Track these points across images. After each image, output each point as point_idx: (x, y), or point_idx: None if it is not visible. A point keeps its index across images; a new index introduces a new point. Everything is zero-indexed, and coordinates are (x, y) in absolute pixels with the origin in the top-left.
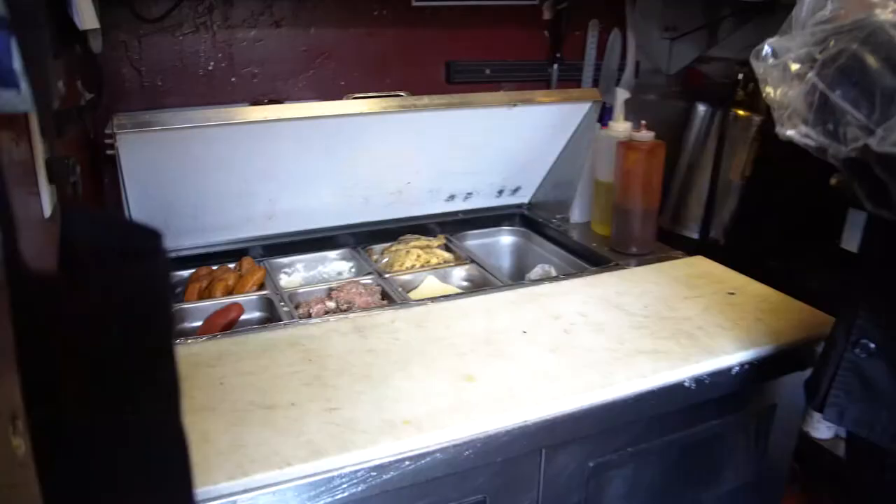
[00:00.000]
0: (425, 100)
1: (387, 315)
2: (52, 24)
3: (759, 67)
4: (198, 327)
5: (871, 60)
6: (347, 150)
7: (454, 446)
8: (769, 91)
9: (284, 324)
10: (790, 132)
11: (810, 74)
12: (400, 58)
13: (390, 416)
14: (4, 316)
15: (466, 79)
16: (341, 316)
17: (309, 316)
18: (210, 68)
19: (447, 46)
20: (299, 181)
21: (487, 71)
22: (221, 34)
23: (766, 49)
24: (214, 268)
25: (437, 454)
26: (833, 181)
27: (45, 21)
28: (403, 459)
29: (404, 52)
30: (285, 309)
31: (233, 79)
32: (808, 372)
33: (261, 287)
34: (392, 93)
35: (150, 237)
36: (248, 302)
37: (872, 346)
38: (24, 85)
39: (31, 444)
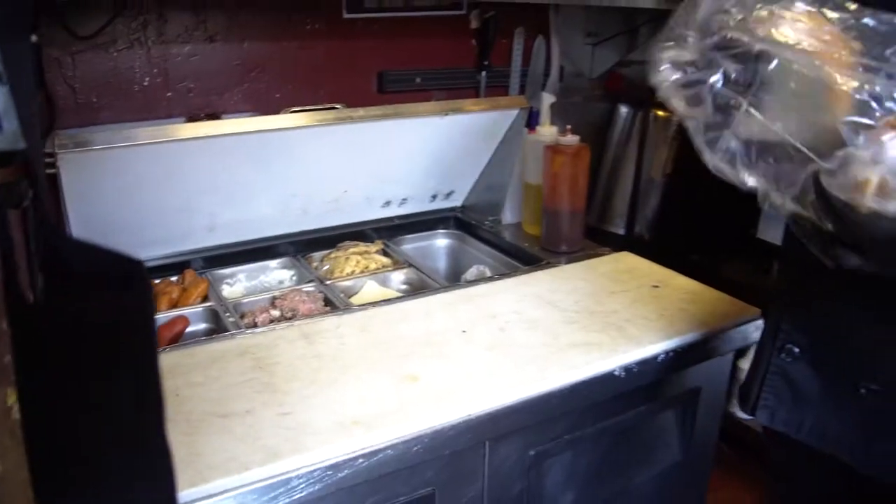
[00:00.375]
0: (360, 111)
1: (332, 321)
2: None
3: (659, 86)
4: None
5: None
6: (285, 161)
7: (403, 442)
8: (677, 106)
9: (232, 334)
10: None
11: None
12: (333, 69)
13: (341, 418)
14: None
15: (398, 88)
16: (288, 324)
17: (255, 325)
18: (145, 84)
19: (379, 57)
20: (239, 193)
21: (418, 79)
22: (156, 50)
23: (664, 66)
24: (157, 281)
25: (388, 451)
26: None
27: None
28: (357, 457)
29: (337, 64)
30: (231, 319)
31: (168, 94)
32: (728, 357)
33: (205, 299)
34: (327, 105)
35: (134, 265)
36: (194, 314)
37: (797, 350)
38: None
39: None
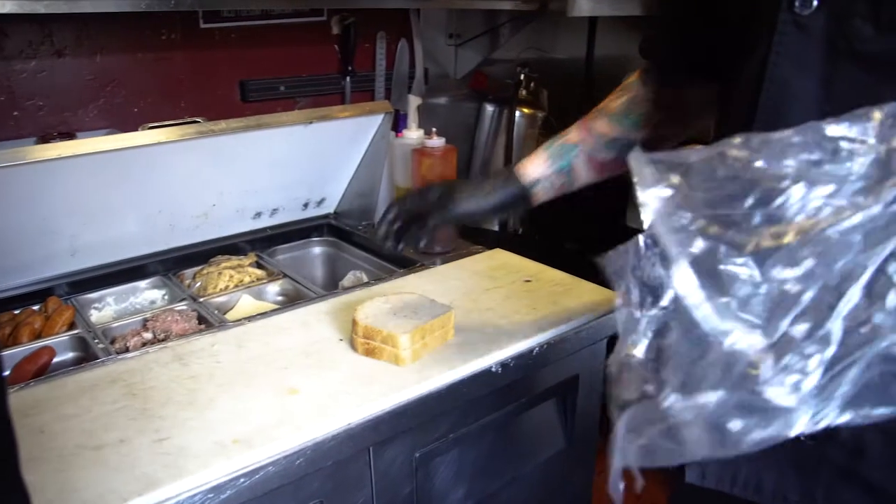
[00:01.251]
0: (221, 124)
1: (206, 339)
2: None
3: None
4: (6, 377)
5: None
6: (147, 178)
7: (285, 457)
8: None
9: (102, 361)
10: None
11: None
12: (193, 80)
13: (220, 438)
14: None
15: (261, 97)
16: (160, 346)
17: (126, 350)
18: None
19: (240, 66)
20: (101, 213)
21: (282, 87)
22: None
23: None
24: (17, 312)
25: (270, 467)
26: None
27: None
28: (238, 477)
29: (197, 75)
30: (101, 346)
31: (15, 113)
32: (602, 343)
33: (71, 326)
34: (188, 119)
35: None
36: (60, 343)
37: None
38: None
39: None
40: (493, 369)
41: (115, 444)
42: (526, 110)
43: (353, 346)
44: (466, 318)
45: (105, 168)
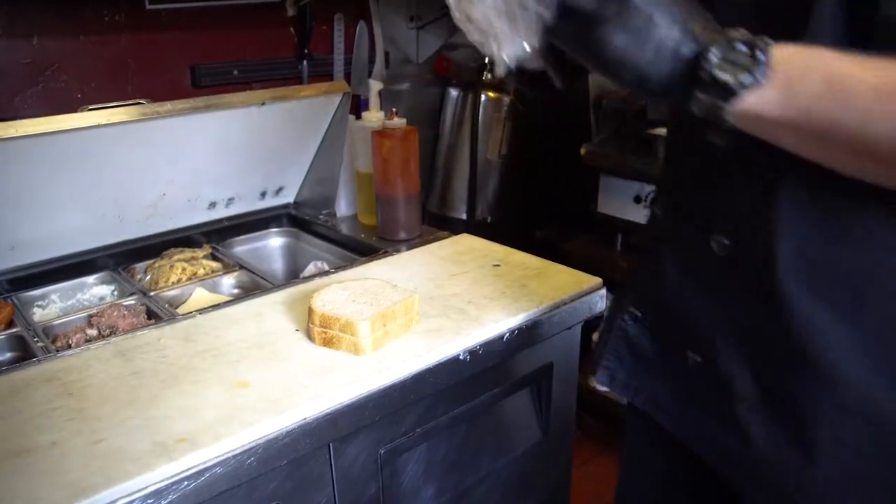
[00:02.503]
0: (167, 105)
1: (152, 334)
2: None
3: None
4: None
5: None
6: (90, 165)
7: (234, 457)
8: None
9: (38, 360)
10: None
11: None
12: (140, 65)
13: (163, 438)
14: None
15: (214, 82)
16: (103, 342)
17: (69, 347)
18: None
19: (191, 50)
20: (41, 205)
21: (235, 72)
22: None
23: None
24: None
25: (217, 468)
26: (583, 151)
27: None
28: (181, 480)
29: (144, 59)
30: (40, 344)
31: None
32: (577, 329)
33: (10, 325)
34: (130, 101)
35: None
36: None
37: (639, 314)
38: None
39: None
40: (461, 357)
41: (45, 448)
42: (491, 94)
43: (309, 336)
44: (432, 305)
45: (40, 154)
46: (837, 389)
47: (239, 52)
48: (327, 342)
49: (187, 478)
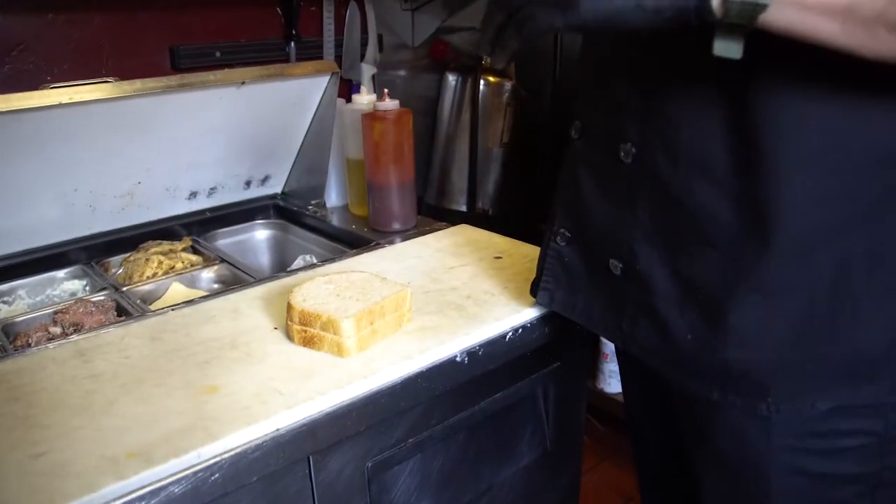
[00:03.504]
0: (137, 84)
1: (116, 332)
2: None
3: None
4: None
5: None
6: (55, 149)
7: (194, 473)
8: None
9: None
10: None
11: None
12: (115, 45)
13: (113, 451)
14: None
15: (195, 64)
16: (63, 341)
17: (28, 346)
18: None
19: (170, 30)
20: (4, 193)
21: (218, 54)
22: None
23: None
24: None
25: (173, 487)
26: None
27: None
28: (130, 502)
29: (120, 39)
30: None
31: None
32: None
33: None
34: (97, 80)
35: None
36: None
37: (568, 234)
38: None
39: None
40: (459, 359)
41: None
42: (491, 79)
43: (288, 335)
44: (427, 300)
45: (0, 136)
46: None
47: (222, 33)
48: (307, 342)
49: (139, 498)
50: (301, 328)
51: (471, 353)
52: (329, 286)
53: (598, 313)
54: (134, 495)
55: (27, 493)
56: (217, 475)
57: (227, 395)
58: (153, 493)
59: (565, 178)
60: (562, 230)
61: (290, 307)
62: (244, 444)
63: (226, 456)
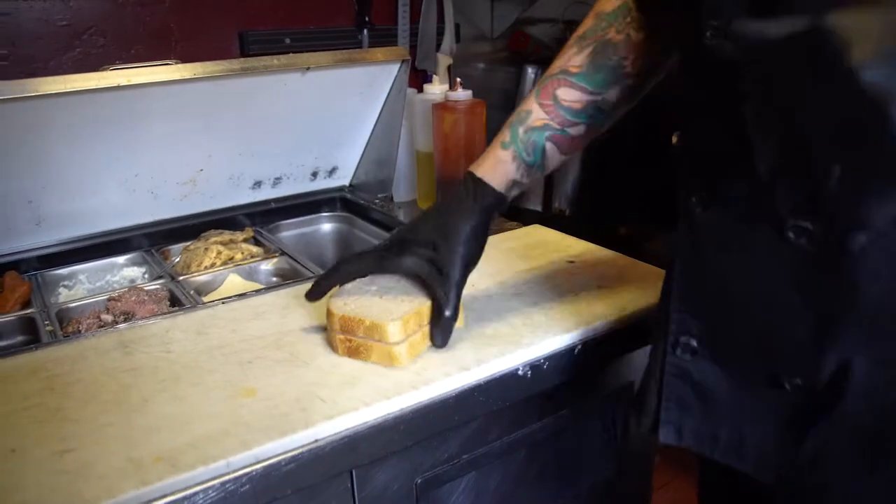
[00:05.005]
0: (198, 67)
1: (162, 324)
2: None
3: None
4: None
5: None
6: (117, 134)
7: (222, 484)
8: None
9: (34, 347)
10: None
11: None
12: (184, 29)
13: (140, 454)
14: None
15: (264, 50)
16: (109, 330)
17: (79, 333)
18: None
19: (239, 14)
20: (65, 176)
21: (288, 40)
22: None
23: None
24: None
25: (199, 496)
26: (675, 138)
27: None
28: None
29: (189, 23)
30: (49, 329)
31: None
32: None
33: (26, 304)
34: (158, 62)
35: None
36: (7, 324)
37: (694, 343)
38: None
39: None
40: (521, 372)
41: (2, 456)
42: None
43: (331, 346)
44: (488, 305)
45: (61, 118)
46: None
47: (292, 19)
48: (353, 352)
49: None
50: (344, 337)
51: (534, 366)
52: (371, 287)
53: (756, 441)
54: (157, 502)
55: (47, 492)
56: (248, 486)
57: (265, 400)
58: (177, 503)
59: (689, 268)
60: (683, 338)
61: (330, 314)
62: (277, 455)
63: (258, 467)
